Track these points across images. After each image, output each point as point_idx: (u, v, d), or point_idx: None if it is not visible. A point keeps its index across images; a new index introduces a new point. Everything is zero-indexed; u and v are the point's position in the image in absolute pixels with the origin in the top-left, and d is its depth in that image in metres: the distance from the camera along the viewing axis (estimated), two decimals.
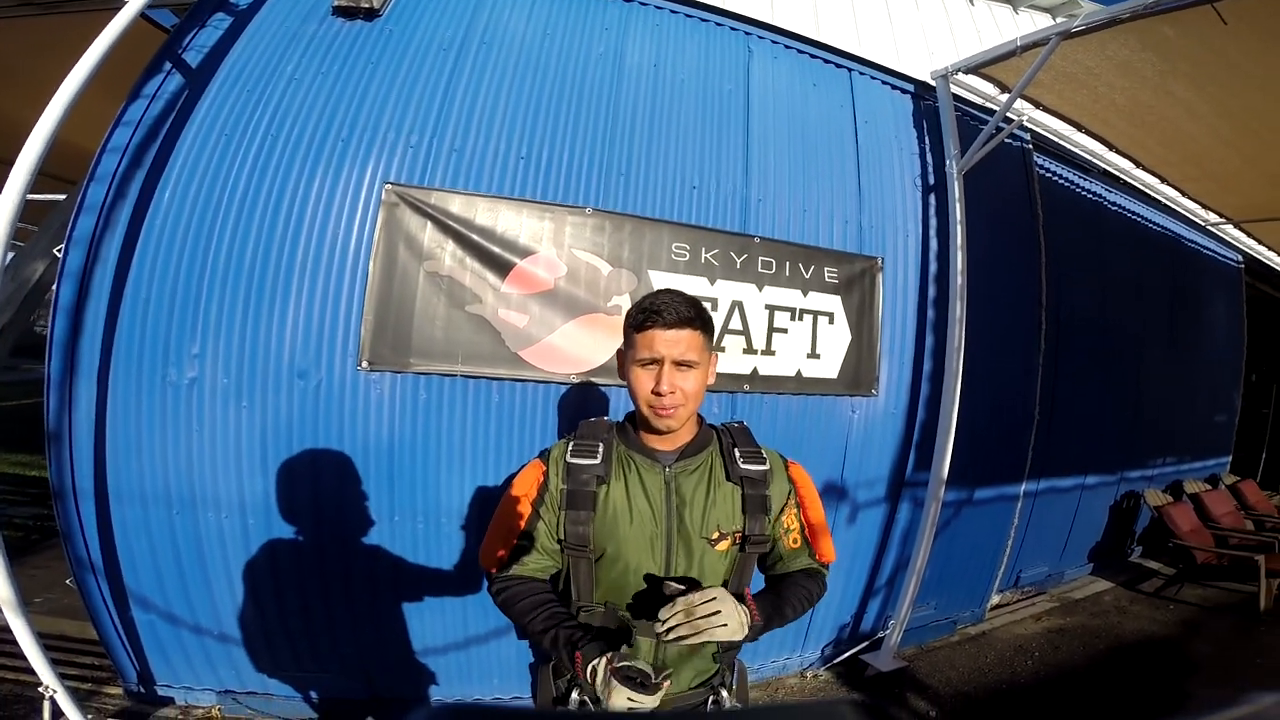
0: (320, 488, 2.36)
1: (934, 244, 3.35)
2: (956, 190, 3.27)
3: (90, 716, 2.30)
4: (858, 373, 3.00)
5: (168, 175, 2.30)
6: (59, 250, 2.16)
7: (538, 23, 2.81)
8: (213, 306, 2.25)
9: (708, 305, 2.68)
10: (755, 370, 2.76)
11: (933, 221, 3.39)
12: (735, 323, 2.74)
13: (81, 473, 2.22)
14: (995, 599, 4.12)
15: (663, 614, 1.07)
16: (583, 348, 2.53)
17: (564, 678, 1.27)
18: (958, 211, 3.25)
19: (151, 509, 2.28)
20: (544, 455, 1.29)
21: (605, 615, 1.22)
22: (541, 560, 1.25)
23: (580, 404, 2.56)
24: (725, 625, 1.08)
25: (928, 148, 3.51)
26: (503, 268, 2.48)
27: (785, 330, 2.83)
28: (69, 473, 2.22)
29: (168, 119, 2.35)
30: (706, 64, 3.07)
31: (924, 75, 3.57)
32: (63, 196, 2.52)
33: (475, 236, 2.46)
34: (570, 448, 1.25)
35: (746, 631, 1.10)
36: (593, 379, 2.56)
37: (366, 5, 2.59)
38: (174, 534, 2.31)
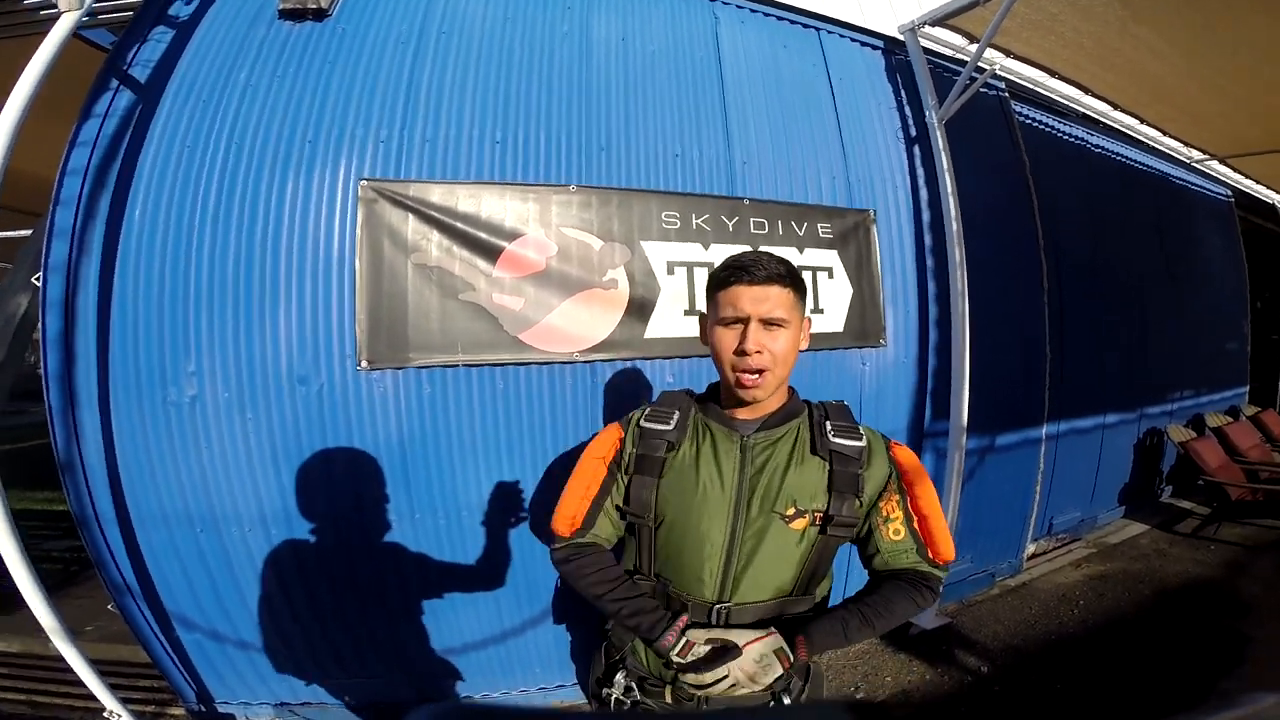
0: (336, 493, 2.23)
1: (924, 193, 3.18)
2: (940, 140, 3.12)
3: None
4: (864, 324, 2.81)
5: (134, 194, 2.18)
6: (38, 279, 2.06)
7: (497, 7, 2.70)
8: (202, 322, 2.13)
9: (703, 269, 2.54)
10: None
11: (919, 171, 3.22)
12: None
13: (101, 500, 2.11)
14: (1031, 548, 3.86)
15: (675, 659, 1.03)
16: (582, 325, 2.38)
17: (615, 659, 1.21)
18: (944, 160, 3.09)
19: (176, 530, 2.17)
20: (625, 419, 1.22)
21: (654, 590, 1.14)
22: (609, 527, 1.18)
23: (595, 382, 2.41)
24: (738, 687, 1.00)
25: (904, 101, 3.36)
26: (492, 253, 2.34)
27: None
28: (88, 501, 2.11)
29: (125, 136, 2.24)
30: (675, 34, 2.95)
31: (892, 30, 3.42)
32: (29, 232, 2.43)
33: (460, 224, 2.32)
34: (646, 412, 1.19)
35: (769, 682, 1.00)
36: (595, 355, 2.40)
37: (314, 6, 2.47)
38: (202, 553, 2.20)
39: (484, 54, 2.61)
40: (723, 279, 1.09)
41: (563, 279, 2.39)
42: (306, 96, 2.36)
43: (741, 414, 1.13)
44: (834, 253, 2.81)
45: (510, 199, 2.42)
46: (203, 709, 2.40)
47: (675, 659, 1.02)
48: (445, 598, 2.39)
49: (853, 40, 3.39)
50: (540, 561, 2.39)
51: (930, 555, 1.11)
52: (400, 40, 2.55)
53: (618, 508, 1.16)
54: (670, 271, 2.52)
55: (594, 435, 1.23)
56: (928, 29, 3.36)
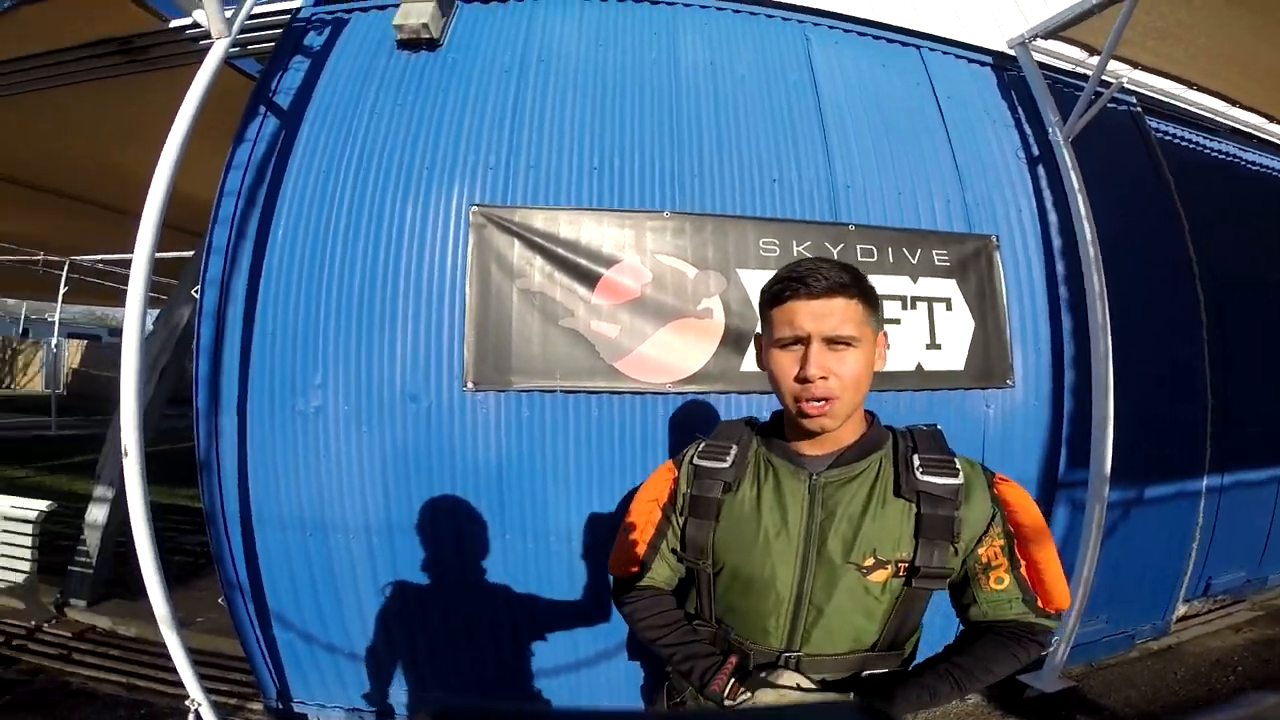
0: (436, 508, 2.24)
1: (1053, 217, 2.82)
2: (1067, 158, 2.77)
3: None
4: (988, 362, 2.49)
5: (278, 213, 2.35)
6: (196, 291, 2.26)
7: (589, 35, 2.74)
8: (330, 336, 2.25)
9: None
10: None
11: (1046, 194, 2.87)
12: None
13: (229, 499, 2.25)
14: (1181, 609, 3.26)
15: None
16: (676, 355, 2.28)
17: (675, 701, 1.09)
18: (1073, 180, 2.73)
19: (288, 532, 2.26)
20: (678, 457, 1.09)
21: (715, 636, 1.02)
22: (666, 570, 1.06)
23: (683, 415, 2.29)
24: None
25: (1023, 119, 3.05)
26: (590, 279, 2.31)
27: (897, 321, 2.40)
28: (218, 499, 2.26)
29: (271, 159, 2.42)
30: (765, 57, 2.86)
31: (999, 45, 3.14)
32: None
33: (560, 250, 2.32)
34: (700, 449, 1.04)
35: None
36: (689, 387, 2.28)
37: (427, 36, 2.57)
38: (308, 555, 2.28)
39: (579, 82, 2.64)
40: (776, 293, 0.92)
41: (658, 307, 2.32)
42: (424, 124, 2.48)
43: (810, 449, 0.96)
44: (952, 282, 2.54)
45: (607, 225, 2.39)
46: (280, 706, 2.47)
47: (727, 703, 0.91)
48: (526, 621, 2.33)
49: (958, 57, 3.16)
50: None
51: (1040, 604, 0.93)
52: (504, 69, 2.64)
53: (673, 551, 1.05)
54: None
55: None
56: (1040, 43, 3.07)
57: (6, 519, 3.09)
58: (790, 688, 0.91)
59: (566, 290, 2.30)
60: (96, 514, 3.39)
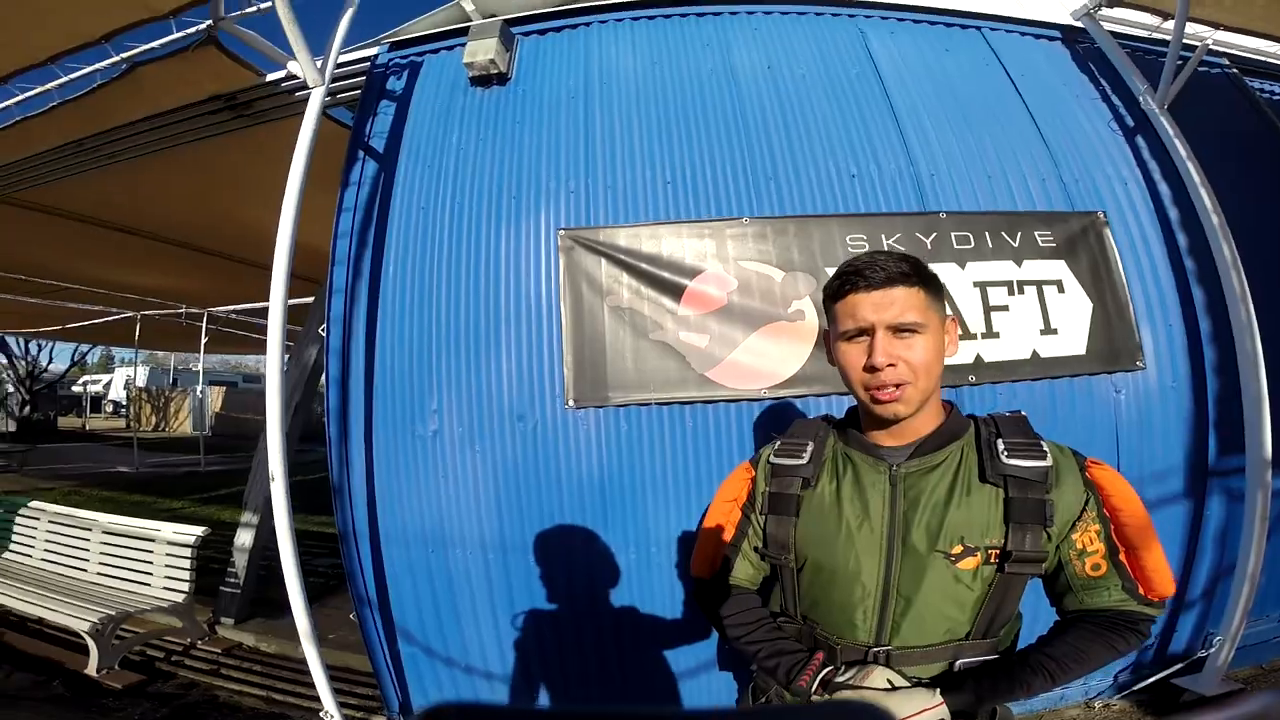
0: (545, 522, 2.30)
1: (1163, 188, 2.59)
2: (1168, 127, 2.56)
3: None
4: (1112, 343, 2.28)
5: (387, 251, 2.53)
6: (323, 329, 2.43)
7: (644, 54, 2.82)
8: (442, 364, 2.37)
9: None
10: (979, 358, 2.21)
11: (1152, 165, 2.65)
12: None
13: (359, 519, 2.40)
14: None
15: None
16: (769, 360, 2.23)
17: (761, 699, 1.09)
18: (1179, 148, 2.51)
19: (412, 549, 2.38)
20: (754, 457, 1.09)
21: (800, 632, 1.01)
22: (749, 569, 1.06)
23: (776, 420, 2.24)
24: None
25: (1108, 90, 2.87)
26: (675, 291, 2.32)
27: (1005, 307, 2.25)
28: (350, 520, 2.41)
29: (375, 200, 2.60)
30: (823, 54, 2.84)
31: (1063, 18, 2.99)
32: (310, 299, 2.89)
33: (645, 265, 2.35)
34: (777, 447, 1.05)
35: None
36: (786, 391, 2.22)
37: (496, 71, 2.71)
38: (430, 571, 2.38)
39: (641, 100, 2.71)
40: (837, 288, 0.92)
41: (745, 313, 2.29)
42: (506, 155, 2.62)
43: (887, 440, 0.95)
44: (1061, 263, 2.36)
45: (687, 236, 2.40)
46: (401, 718, 2.54)
47: (814, 699, 0.90)
48: (630, 629, 2.32)
49: (1023, 34, 3.03)
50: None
51: (1141, 591, 0.88)
52: (571, 95, 2.74)
53: (756, 549, 1.04)
54: None
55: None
56: (1106, 11, 2.89)
57: (170, 544, 3.41)
58: (881, 688, 0.87)
59: (654, 304, 2.32)
60: (244, 538, 3.73)
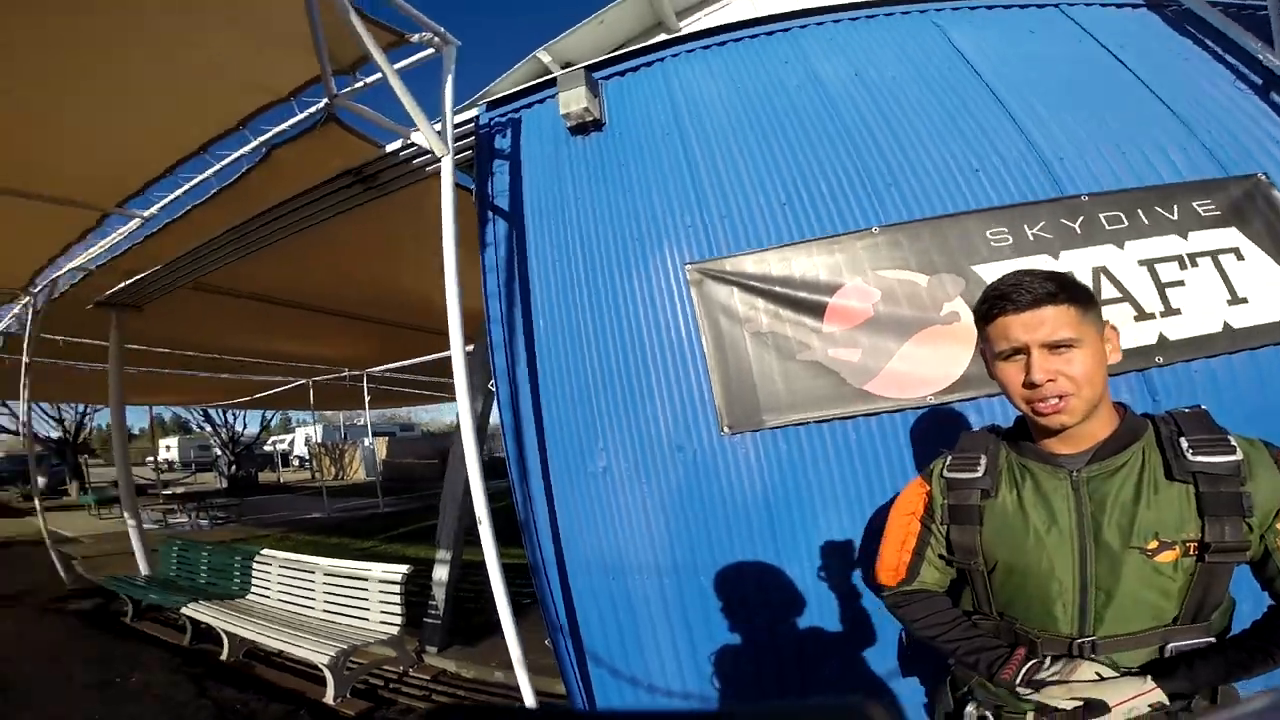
0: (713, 544, 2.39)
1: None
2: None
3: None
4: None
5: (533, 304, 2.75)
6: (491, 385, 2.73)
7: (724, 81, 2.90)
8: (603, 405, 2.55)
9: None
10: (1162, 337, 2.09)
11: None
12: (1109, 291, 2.14)
13: (546, 551, 2.60)
14: None
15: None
16: (929, 366, 2.22)
17: (960, 693, 1.14)
18: None
19: (594, 577, 2.55)
20: (926, 472, 1.16)
21: (999, 628, 1.05)
22: (935, 574, 1.13)
23: (938, 426, 2.21)
24: None
25: (1221, 52, 2.67)
26: (816, 310, 2.37)
27: (1180, 283, 2.12)
28: (538, 552, 2.62)
29: (513, 257, 2.83)
30: (907, 54, 2.83)
31: None
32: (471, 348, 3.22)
33: (778, 288, 2.42)
34: (948, 462, 1.10)
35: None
36: (953, 396, 2.20)
37: (592, 118, 2.87)
38: (612, 597, 2.54)
39: (734, 123, 2.79)
40: (985, 311, 0.97)
41: (896, 322, 2.30)
42: (618, 198, 2.78)
43: (1063, 447, 0.97)
44: (1232, 230, 2.19)
45: (817, 254, 2.45)
46: None
47: (1020, 690, 0.93)
48: (811, 641, 2.33)
49: (1103, 5, 2.91)
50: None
51: None
52: (665, 131, 2.87)
53: (941, 556, 1.10)
54: None
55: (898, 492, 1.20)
56: None
57: (381, 581, 3.82)
58: (1089, 680, 0.89)
59: (795, 325, 2.39)
60: (440, 573, 4.09)
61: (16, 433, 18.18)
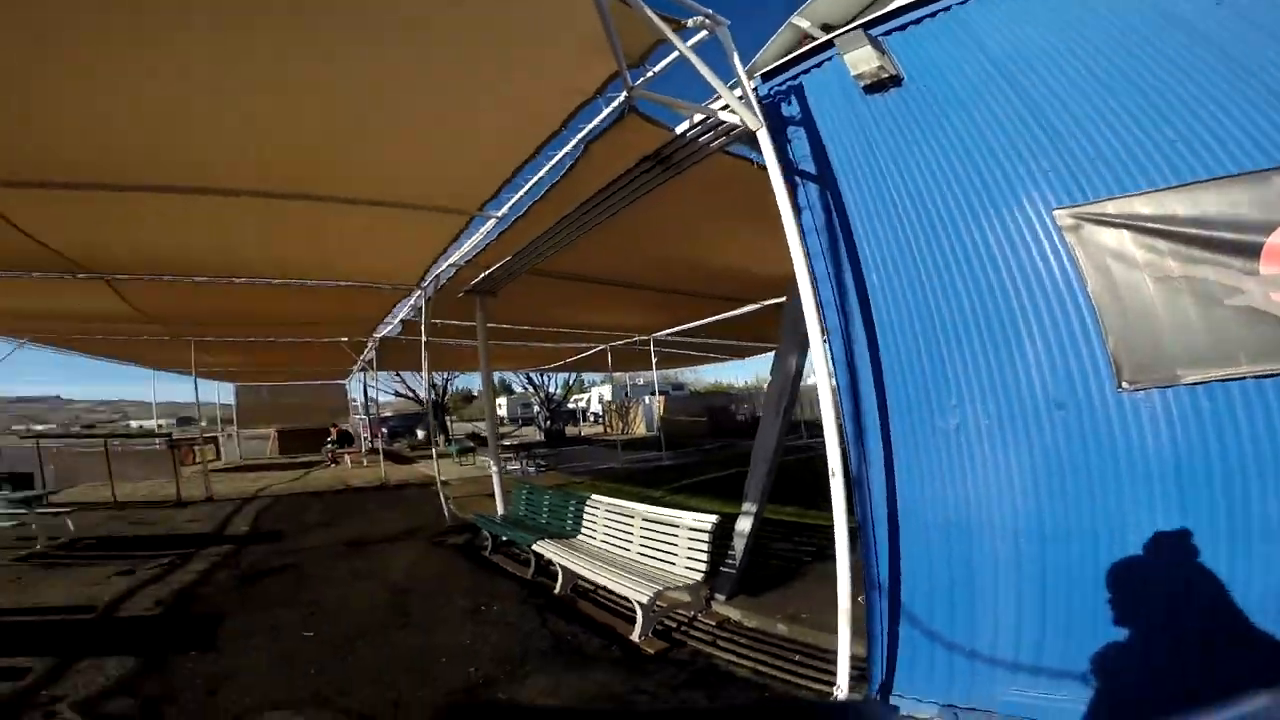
0: (1097, 509, 2.27)
1: None
2: None
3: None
4: None
5: (864, 263, 2.83)
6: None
7: (1045, 23, 2.66)
8: (955, 360, 2.56)
9: None
10: None
11: None
12: None
13: (877, 509, 2.71)
14: None
15: None
16: None
17: None
18: None
19: (931, 536, 2.59)
20: None
21: None
22: None
23: None
24: None
25: None
26: (1247, 250, 2.05)
27: None
28: (869, 510, 2.72)
29: (832, 219, 2.93)
30: None
31: None
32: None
33: (1191, 230, 2.14)
34: None
35: None
36: None
37: (888, 75, 2.82)
38: (950, 558, 2.56)
39: (1079, 66, 2.54)
40: None
41: None
42: (947, 150, 2.73)
43: None
44: None
45: (1238, 191, 2.11)
46: (877, 696, 2.71)
47: None
48: (1224, 631, 2.10)
49: None
50: None
51: None
52: (983, 79, 2.72)
53: None
54: None
55: None
56: None
57: (690, 529, 4.19)
58: None
59: (1219, 267, 2.10)
60: (743, 524, 4.40)
61: (407, 396, 25.78)
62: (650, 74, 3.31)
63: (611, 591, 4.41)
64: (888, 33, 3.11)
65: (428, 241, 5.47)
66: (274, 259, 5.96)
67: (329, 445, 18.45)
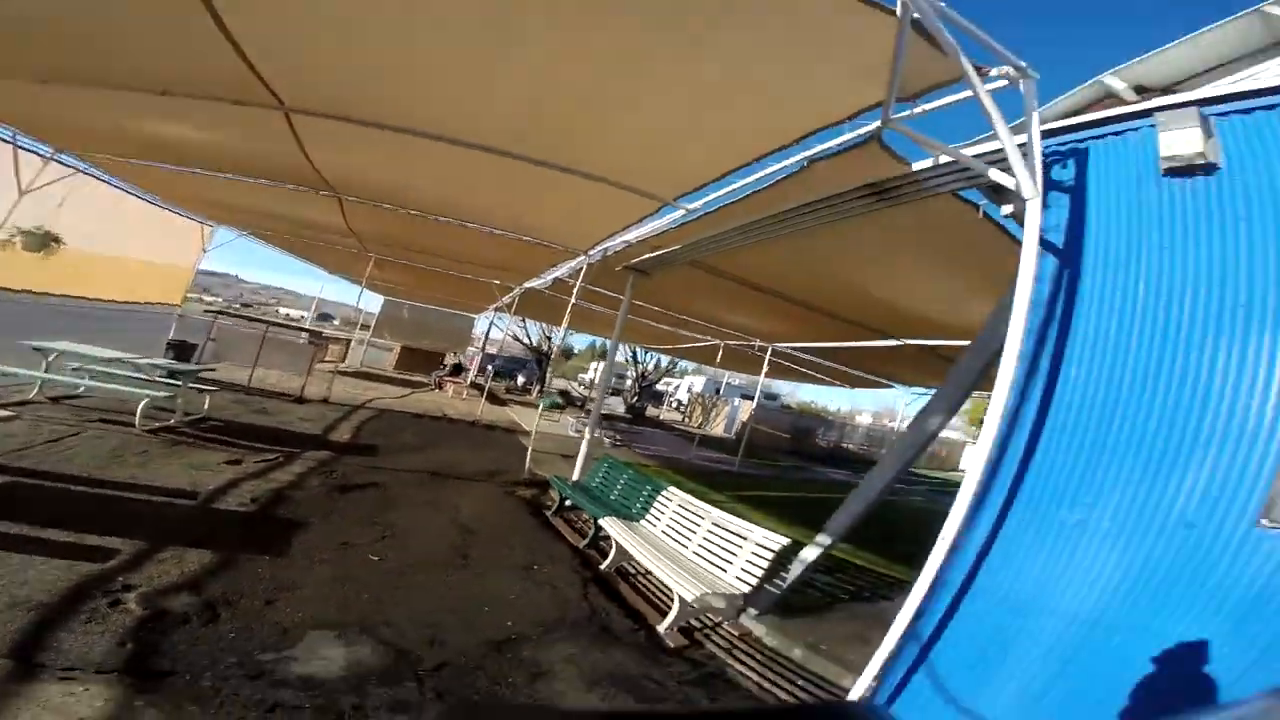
0: (1173, 632, 2.47)
1: None
2: None
3: None
4: None
5: (1069, 350, 2.95)
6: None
7: None
8: (1110, 466, 2.77)
9: None
10: None
11: None
12: None
13: (956, 571, 3.01)
14: None
15: None
16: None
17: None
18: None
19: (993, 605, 2.90)
20: None
21: None
22: None
23: None
24: None
25: None
26: None
27: None
28: (951, 570, 3.02)
29: (1058, 297, 3.00)
30: None
31: None
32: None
33: None
34: None
35: None
36: None
37: (1203, 162, 2.68)
38: (998, 627, 2.85)
39: None
40: None
41: None
42: (1225, 257, 2.67)
43: None
44: None
45: None
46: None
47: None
48: None
49: None
50: None
51: None
52: None
53: None
54: None
55: None
56: None
57: (757, 544, 4.65)
58: None
59: None
60: (809, 554, 4.87)
61: (521, 341, 28.19)
62: (920, 110, 3.21)
63: (654, 579, 4.91)
64: (1223, 114, 2.90)
65: (616, 217, 6.09)
66: (481, 206, 7.13)
67: (440, 370, 20.49)
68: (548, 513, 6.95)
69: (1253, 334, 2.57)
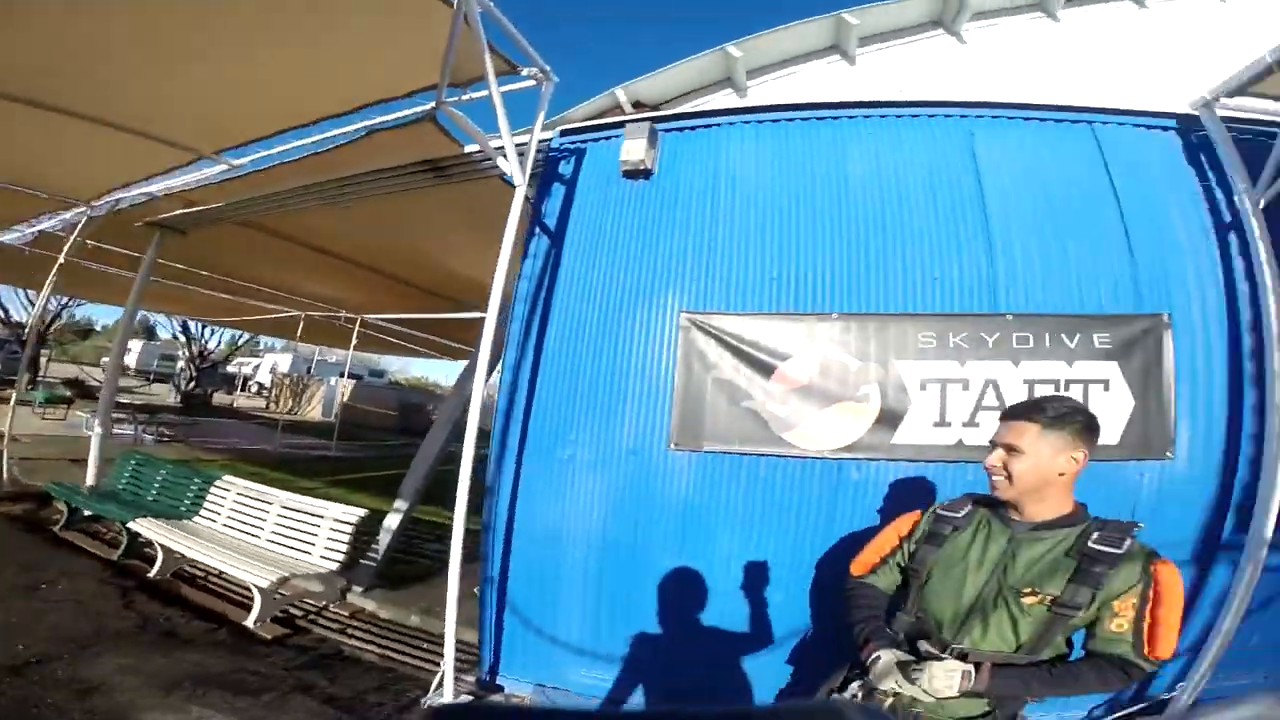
0: (638, 532, 3.26)
1: (1242, 287, 3.06)
2: (1255, 226, 3.02)
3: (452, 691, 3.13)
4: (1146, 436, 2.89)
5: (551, 315, 3.55)
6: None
7: (765, 156, 3.62)
8: (581, 410, 3.40)
9: (958, 385, 2.97)
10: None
11: (1237, 263, 3.10)
12: (990, 399, 2.96)
13: (499, 515, 3.43)
14: None
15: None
16: (834, 429, 3.08)
17: (854, 672, 1.65)
18: (1260, 251, 2.98)
19: (536, 542, 3.41)
20: (924, 509, 1.78)
21: (912, 624, 1.62)
22: (890, 577, 1.77)
23: (841, 477, 3.08)
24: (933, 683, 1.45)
25: (1213, 183, 3.25)
26: (767, 370, 3.17)
27: None
28: (494, 515, 3.44)
29: (546, 271, 3.62)
30: (929, 157, 3.44)
31: (1182, 107, 3.37)
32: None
33: (745, 348, 3.20)
34: (944, 504, 1.73)
35: (951, 694, 1.44)
36: (845, 454, 3.06)
37: (644, 168, 3.55)
38: (543, 561, 3.37)
39: (759, 198, 3.49)
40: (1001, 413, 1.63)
41: (822, 392, 3.10)
42: (648, 242, 3.53)
43: (1017, 516, 1.54)
44: (1113, 364, 2.96)
45: (783, 325, 3.22)
46: (486, 679, 3.37)
47: (869, 666, 1.56)
48: (692, 625, 3.16)
49: (1135, 125, 3.41)
50: (769, 606, 3.07)
51: (1144, 651, 1.39)
52: (700, 192, 3.56)
53: (899, 566, 1.72)
54: (923, 388, 3.04)
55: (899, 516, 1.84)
56: (1226, 100, 3.23)
57: (336, 520, 4.62)
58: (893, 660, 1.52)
59: (748, 378, 3.20)
60: (391, 521, 4.89)
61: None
62: (467, 97, 3.55)
63: (230, 577, 4.51)
64: (670, 130, 3.81)
65: (134, 165, 5.14)
66: None
67: None
68: (55, 529, 5.77)
69: (655, 309, 3.44)
